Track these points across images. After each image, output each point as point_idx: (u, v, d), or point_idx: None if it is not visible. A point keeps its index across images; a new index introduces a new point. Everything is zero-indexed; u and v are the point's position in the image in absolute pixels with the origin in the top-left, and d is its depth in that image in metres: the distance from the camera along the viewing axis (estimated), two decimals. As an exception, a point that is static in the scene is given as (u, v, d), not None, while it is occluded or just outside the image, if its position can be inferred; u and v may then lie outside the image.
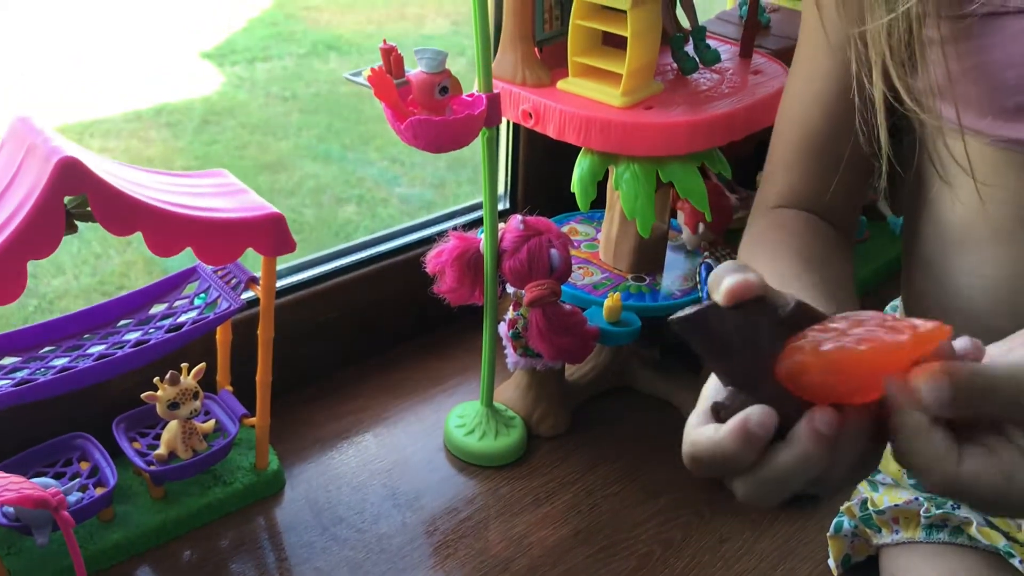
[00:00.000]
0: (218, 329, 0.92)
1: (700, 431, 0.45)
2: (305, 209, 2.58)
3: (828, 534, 0.84)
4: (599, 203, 1.06)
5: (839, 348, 0.41)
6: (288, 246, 0.82)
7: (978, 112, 0.58)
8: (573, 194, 1.15)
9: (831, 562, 0.85)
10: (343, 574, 0.84)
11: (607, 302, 0.93)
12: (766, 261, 0.65)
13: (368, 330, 1.08)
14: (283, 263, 1.03)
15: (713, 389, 0.48)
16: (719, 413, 0.45)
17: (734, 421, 0.43)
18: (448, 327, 1.14)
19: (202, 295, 0.87)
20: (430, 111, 0.79)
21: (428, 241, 0.94)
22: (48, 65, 3.05)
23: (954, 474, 0.41)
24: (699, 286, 0.96)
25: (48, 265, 2.19)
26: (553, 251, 0.87)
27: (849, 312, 0.43)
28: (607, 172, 0.93)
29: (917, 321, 0.41)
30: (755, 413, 0.42)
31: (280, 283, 1.01)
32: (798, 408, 0.43)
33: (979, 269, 0.65)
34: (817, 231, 0.70)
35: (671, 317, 0.43)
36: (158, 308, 0.87)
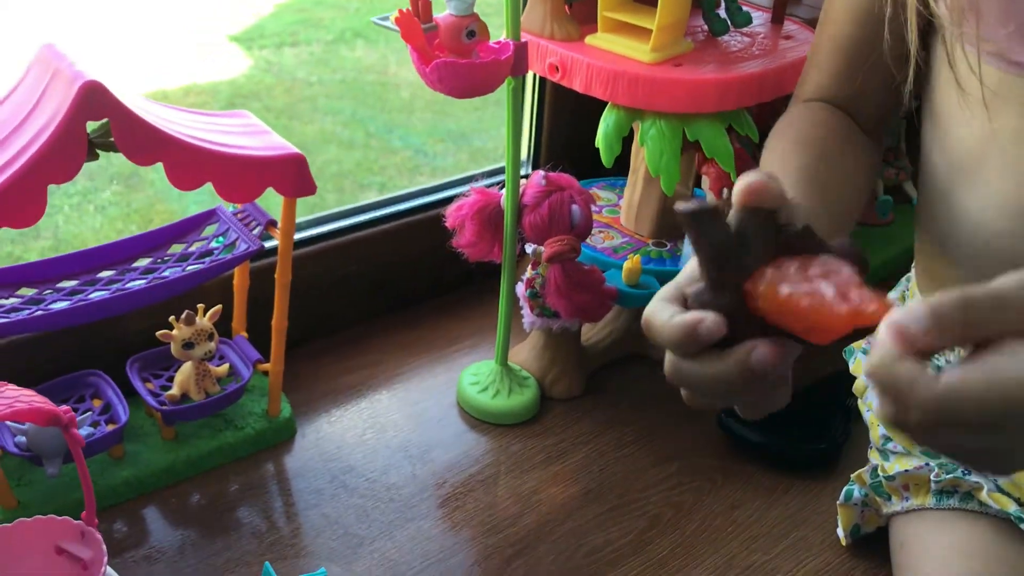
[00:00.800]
0: (235, 274, 0.92)
1: (663, 308, 0.47)
2: (327, 194, 2.58)
3: (838, 502, 0.83)
4: (622, 169, 1.05)
5: (788, 295, 0.42)
6: (308, 188, 0.81)
7: (997, 24, 0.59)
8: (597, 160, 1.14)
9: (840, 531, 0.84)
10: (351, 520, 0.83)
11: (627, 264, 0.93)
12: (786, 146, 0.73)
13: (385, 287, 1.08)
14: (303, 215, 1.02)
15: (690, 273, 0.49)
16: (686, 301, 0.46)
17: (688, 316, 0.44)
18: (464, 289, 1.14)
19: (220, 237, 0.87)
20: (456, 55, 0.78)
21: (448, 201, 0.94)
22: (76, 43, 3.07)
23: (934, 390, 0.38)
24: (720, 252, 0.95)
25: (71, 240, 2.20)
26: (574, 207, 0.87)
27: (833, 259, 0.43)
28: (632, 133, 0.92)
29: (872, 296, 0.41)
30: (709, 320, 0.44)
31: (299, 235, 1.01)
32: (758, 326, 0.44)
33: (985, 191, 0.65)
34: (839, 124, 0.76)
35: (677, 205, 0.43)
36: (176, 248, 0.87)
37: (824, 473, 0.92)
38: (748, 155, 0.96)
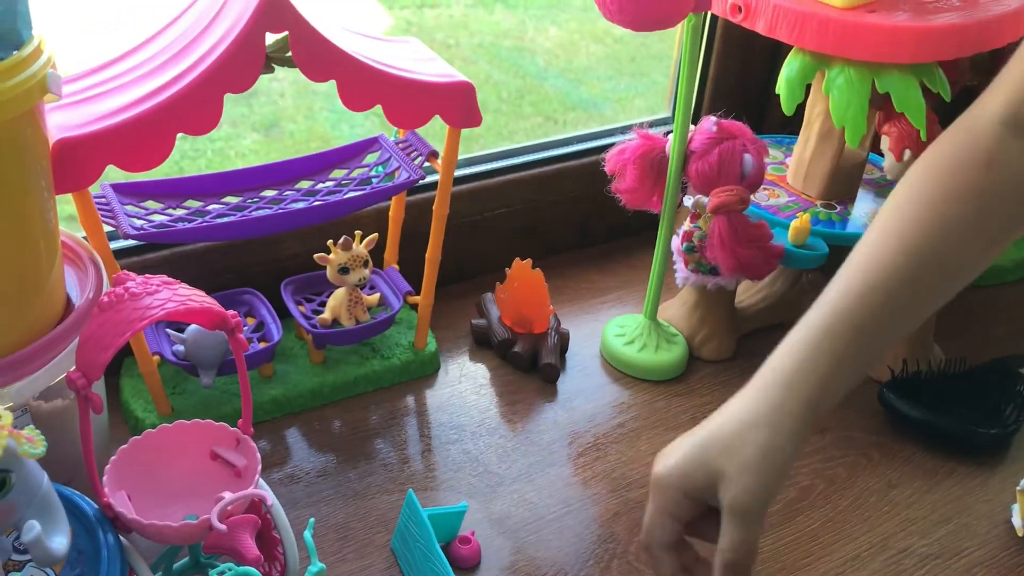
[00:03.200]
0: (392, 206, 0.91)
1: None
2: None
3: (1018, 488, 0.77)
4: (793, 125, 1.00)
5: None
6: (474, 119, 0.80)
7: None
8: (762, 114, 1.09)
9: (1016, 520, 0.78)
10: (491, 459, 0.82)
11: (795, 223, 0.88)
12: (911, 207, 0.58)
13: (532, 232, 1.06)
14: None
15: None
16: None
17: None
18: (612, 243, 1.11)
19: (381, 165, 0.86)
20: (639, -14, 0.75)
21: (604, 149, 0.91)
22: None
23: None
24: (895, 218, 0.89)
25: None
26: (747, 156, 0.83)
27: None
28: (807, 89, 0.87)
29: None
30: None
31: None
32: None
33: None
34: (995, 180, 0.57)
35: None
36: (338, 173, 0.87)
37: (993, 459, 0.86)
38: (935, 117, 0.89)
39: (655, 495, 0.58)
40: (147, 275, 0.60)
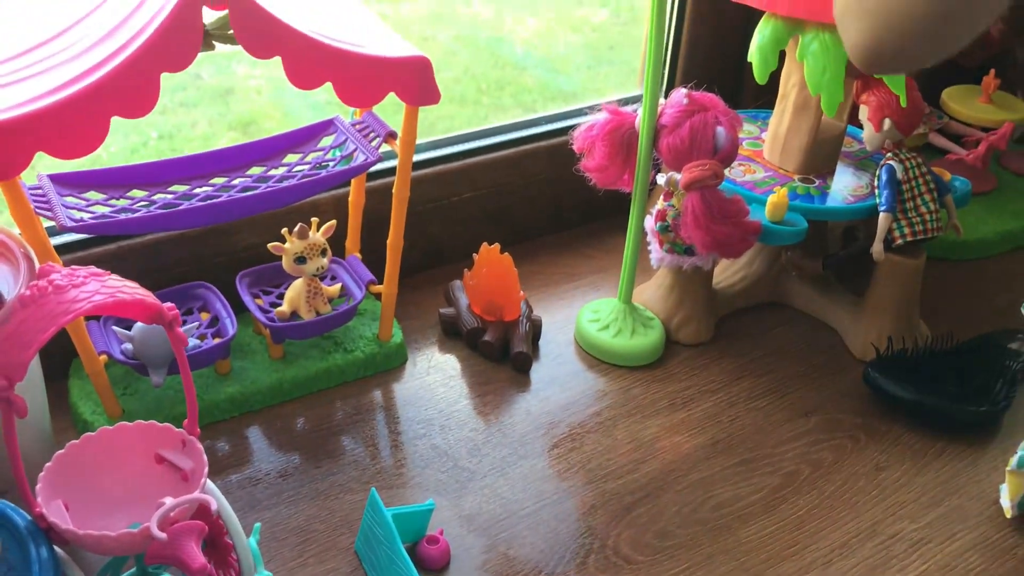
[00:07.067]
0: (351, 191, 0.87)
1: None
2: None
3: (1008, 469, 0.74)
4: (769, 101, 0.97)
5: None
6: (432, 96, 0.76)
7: None
8: (736, 90, 1.06)
9: (1005, 501, 0.75)
10: (461, 453, 0.78)
11: (772, 198, 0.84)
12: None
13: (502, 217, 1.02)
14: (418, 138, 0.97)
15: None
16: None
17: None
18: (585, 226, 1.07)
19: (337, 148, 0.82)
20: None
21: (573, 129, 0.87)
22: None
23: None
24: (877, 191, 0.86)
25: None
26: (719, 128, 0.79)
27: None
28: (781, 58, 0.83)
29: None
30: None
31: (415, 158, 0.95)
32: None
33: None
34: None
35: None
36: (291, 158, 0.82)
37: (982, 437, 0.82)
38: (915, 83, 0.86)
39: None
40: (73, 267, 0.55)
